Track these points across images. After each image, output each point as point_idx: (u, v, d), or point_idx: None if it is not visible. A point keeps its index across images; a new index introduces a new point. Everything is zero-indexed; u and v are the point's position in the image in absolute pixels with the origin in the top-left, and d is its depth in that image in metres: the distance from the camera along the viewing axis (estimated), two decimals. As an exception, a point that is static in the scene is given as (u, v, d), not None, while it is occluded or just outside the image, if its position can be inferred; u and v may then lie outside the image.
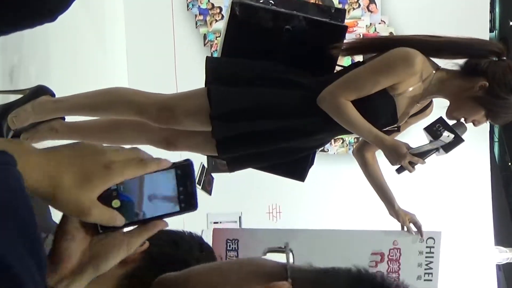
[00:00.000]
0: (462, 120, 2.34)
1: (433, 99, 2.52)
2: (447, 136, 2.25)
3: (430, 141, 2.29)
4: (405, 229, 2.74)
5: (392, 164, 2.29)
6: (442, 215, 4.81)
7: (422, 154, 2.29)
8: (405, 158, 2.23)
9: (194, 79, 4.65)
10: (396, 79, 2.29)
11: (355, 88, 2.30)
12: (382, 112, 2.35)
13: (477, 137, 4.76)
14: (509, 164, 6.54)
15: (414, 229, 2.75)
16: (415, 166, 2.29)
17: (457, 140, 2.28)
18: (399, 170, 2.30)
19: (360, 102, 2.30)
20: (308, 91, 2.38)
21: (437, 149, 2.29)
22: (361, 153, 2.67)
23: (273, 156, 2.52)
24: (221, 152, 2.48)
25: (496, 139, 6.81)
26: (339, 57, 2.51)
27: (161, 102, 2.48)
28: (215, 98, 2.39)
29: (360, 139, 2.72)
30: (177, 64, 4.79)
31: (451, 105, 2.36)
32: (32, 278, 0.59)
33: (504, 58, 2.34)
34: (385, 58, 2.31)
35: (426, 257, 2.75)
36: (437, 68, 2.36)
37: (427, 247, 2.73)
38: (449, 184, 4.90)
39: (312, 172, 2.73)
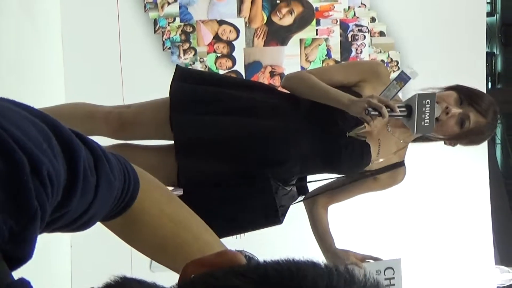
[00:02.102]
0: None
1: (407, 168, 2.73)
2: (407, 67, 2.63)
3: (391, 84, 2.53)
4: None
5: (360, 109, 2.37)
6: (434, 232, 4.80)
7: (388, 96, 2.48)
8: (372, 97, 2.36)
9: (142, 69, 4.63)
10: (360, 75, 2.62)
11: (321, 69, 2.91)
12: None
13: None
14: (514, 169, 6.42)
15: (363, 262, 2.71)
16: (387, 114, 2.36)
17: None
18: (368, 113, 2.35)
19: None
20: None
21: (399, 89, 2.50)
22: (314, 200, 2.80)
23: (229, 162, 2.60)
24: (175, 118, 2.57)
25: (498, 141, 6.68)
26: None
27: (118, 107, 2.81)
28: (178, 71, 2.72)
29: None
30: (122, 52, 4.60)
31: None
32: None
33: None
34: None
35: None
36: None
37: (386, 279, 2.65)
38: (443, 198, 4.82)
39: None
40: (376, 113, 2.33)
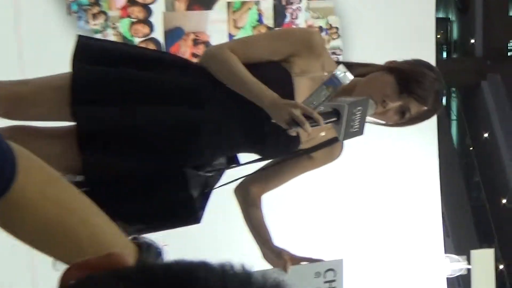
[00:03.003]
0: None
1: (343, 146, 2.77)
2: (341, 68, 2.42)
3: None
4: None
5: (281, 119, 2.33)
6: (379, 225, 4.84)
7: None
8: (296, 107, 2.30)
9: (44, 36, 4.39)
10: (290, 48, 2.58)
11: (245, 43, 2.65)
12: (275, 82, 2.48)
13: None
14: (471, 148, 6.20)
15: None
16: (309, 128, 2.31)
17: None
18: (290, 125, 2.30)
19: (250, 71, 2.52)
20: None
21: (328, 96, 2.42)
22: (246, 188, 2.76)
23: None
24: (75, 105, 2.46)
25: (454, 117, 6.48)
26: None
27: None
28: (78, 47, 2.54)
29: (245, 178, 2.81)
30: (20, 17, 4.40)
31: (358, 89, 2.54)
32: None
33: None
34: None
35: None
36: None
37: (326, 281, 2.61)
38: (390, 187, 4.84)
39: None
40: (299, 127, 2.29)
